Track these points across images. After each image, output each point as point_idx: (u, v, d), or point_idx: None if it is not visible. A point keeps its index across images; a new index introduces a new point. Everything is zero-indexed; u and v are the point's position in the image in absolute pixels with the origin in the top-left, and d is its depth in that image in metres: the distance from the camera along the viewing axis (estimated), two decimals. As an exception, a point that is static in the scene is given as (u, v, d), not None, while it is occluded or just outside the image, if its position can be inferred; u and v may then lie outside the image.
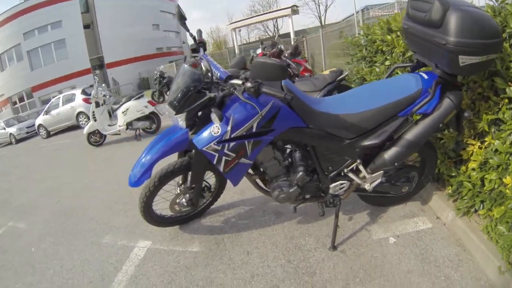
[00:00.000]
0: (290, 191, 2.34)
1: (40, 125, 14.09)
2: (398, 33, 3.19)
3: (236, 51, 18.18)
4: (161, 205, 3.05)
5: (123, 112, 7.68)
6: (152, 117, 8.06)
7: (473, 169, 2.24)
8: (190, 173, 2.79)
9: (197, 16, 78.82)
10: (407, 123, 2.18)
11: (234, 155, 2.17)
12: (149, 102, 7.85)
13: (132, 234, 3.46)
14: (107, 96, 8.38)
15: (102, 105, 7.99)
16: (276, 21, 18.69)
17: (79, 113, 12.57)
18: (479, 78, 2.21)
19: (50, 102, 14.22)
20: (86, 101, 12.12)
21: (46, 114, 13.56)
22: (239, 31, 19.66)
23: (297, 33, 17.84)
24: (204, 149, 2.14)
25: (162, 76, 13.05)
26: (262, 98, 2.01)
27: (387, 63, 3.47)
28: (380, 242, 2.48)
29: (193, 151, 2.56)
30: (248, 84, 1.90)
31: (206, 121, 2.20)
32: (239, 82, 2.03)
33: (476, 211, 2.25)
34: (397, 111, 2.15)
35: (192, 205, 3.01)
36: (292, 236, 2.78)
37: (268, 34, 35.82)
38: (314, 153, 2.33)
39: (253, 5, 37.76)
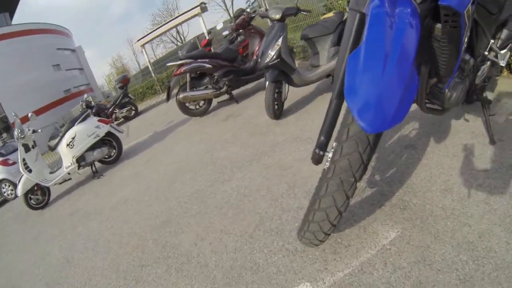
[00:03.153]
0: (467, 84, 1.69)
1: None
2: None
3: (150, 67, 15.94)
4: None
5: (68, 145, 5.11)
6: (109, 140, 5.60)
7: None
8: None
9: (92, 54, 73.37)
10: None
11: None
12: (100, 120, 5.43)
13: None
14: (39, 131, 5.56)
15: (33, 147, 5.21)
16: (182, 27, 16.64)
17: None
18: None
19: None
20: (4, 163, 8.61)
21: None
22: (141, 51, 17.22)
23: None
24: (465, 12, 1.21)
25: (89, 106, 10.27)
26: None
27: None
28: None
29: None
30: None
31: None
32: None
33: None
34: None
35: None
36: (453, 154, 2.02)
37: (176, 44, 33.86)
38: (476, 35, 1.71)
39: (153, 19, 35.57)
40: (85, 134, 5.20)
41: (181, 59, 5.44)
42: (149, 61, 15.97)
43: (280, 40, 3.64)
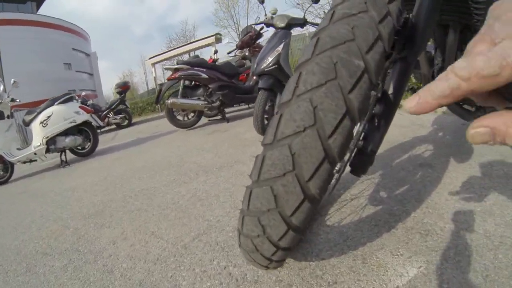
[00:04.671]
0: None
1: None
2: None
3: (155, 85, 15.55)
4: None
5: (42, 123, 4.38)
6: (86, 131, 4.88)
7: None
8: None
9: (105, 65, 73.53)
10: None
11: None
12: (81, 107, 4.74)
13: None
14: (17, 100, 4.70)
15: (8, 116, 4.51)
16: (194, 53, 16.40)
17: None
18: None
19: None
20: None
21: None
22: (151, 71, 16.91)
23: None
24: None
25: (85, 103, 9.55)
26: None
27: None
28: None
29: None
30: None
31: None
32: None
33: None
34: None
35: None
36: (482, 173, 1.41)
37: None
38: None
39: (169, 42, 35.03)
40: (62, 116, 4.50)
41: (178, 64, 4.90)
42: (155, 78, 15.59)
43: (281, 46, 3.11)
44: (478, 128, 0.28)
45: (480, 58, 0.25)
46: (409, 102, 0.30)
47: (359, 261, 0.96)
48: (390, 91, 0.85)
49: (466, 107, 1.35)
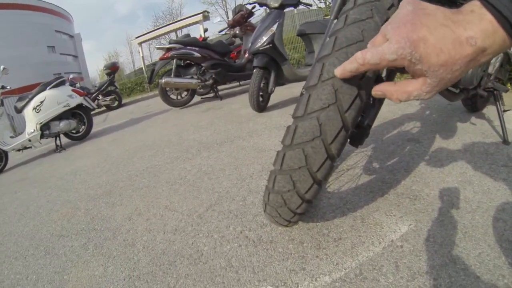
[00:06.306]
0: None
1: None
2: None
3: (143, 65, 15.36)
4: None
5: (35, 108, 4.36)
6: (80, 114, 4.89)
7: None
8: None
9: (89, 46, 71.40)
10: None
11: None
12: (74, 91, 4.73)
13: None
14: (8, 87, 4.65)
15: None
16: (181, 31, 16.25)
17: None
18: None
19: None
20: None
21: None
22: (138, 51, 16.58)
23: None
24: None
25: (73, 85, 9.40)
26: None
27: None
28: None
29: None
30: None
31: None
32: None
33: None
34: None
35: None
36: (464, 149, 1.54)
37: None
38: None
39: (155, 20, 34.14)
40: (55, 101, 4.48)
41: (170, 43, 4.90)
42: (142, 57, 15.33)
43: (275, 26, 3.16)
44: (376, 91, 0.48)
45: (369, 53, 0.42)
46: (337, 69, 0.51)
47: (359, 221, 1.11)
48: (384, 74, 0.98)
49: (451, 89, 1.47)
